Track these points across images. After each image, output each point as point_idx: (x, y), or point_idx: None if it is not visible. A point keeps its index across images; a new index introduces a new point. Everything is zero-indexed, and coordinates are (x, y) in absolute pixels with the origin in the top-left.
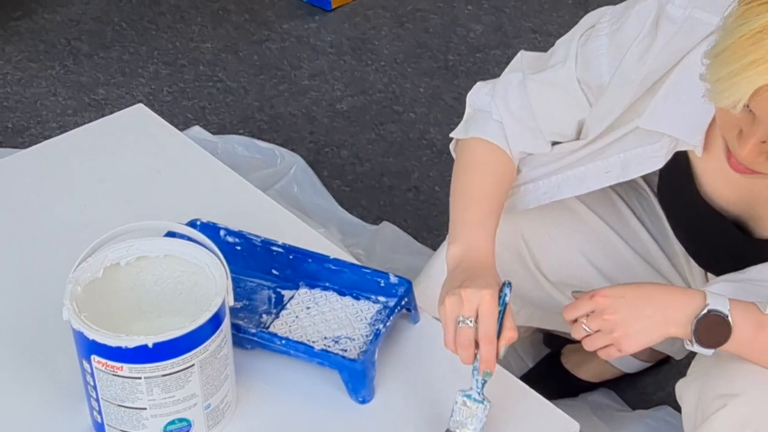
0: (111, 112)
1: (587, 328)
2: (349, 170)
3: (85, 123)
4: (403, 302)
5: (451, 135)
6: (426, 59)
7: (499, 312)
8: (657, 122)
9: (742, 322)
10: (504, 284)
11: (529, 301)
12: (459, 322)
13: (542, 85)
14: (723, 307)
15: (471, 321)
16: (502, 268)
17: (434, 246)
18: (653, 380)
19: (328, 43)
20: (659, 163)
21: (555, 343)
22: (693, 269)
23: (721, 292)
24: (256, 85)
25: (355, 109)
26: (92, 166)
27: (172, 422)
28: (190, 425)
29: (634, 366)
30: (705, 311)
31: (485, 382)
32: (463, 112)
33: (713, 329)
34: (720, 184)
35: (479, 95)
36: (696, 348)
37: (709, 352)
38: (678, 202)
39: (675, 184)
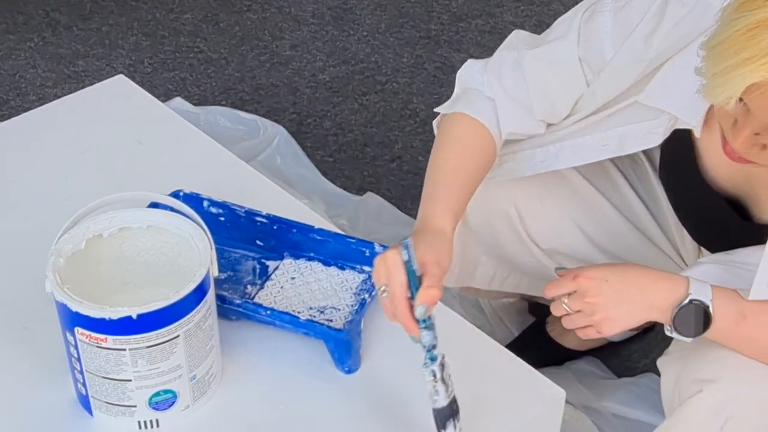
0: (91, 84)
1: (568, 308)
2: (332, 141)
3: (64, 95)
4: None
5: (436, 110)
6: (408, 29)
7: (408, 271)
8: (657, 99)
9: (724, 313)
10: (401, 242)
11: (518, 267)
12: (381, 292)
13: (539, 60)
14: (705, 297)
15: (384, 288)
16: (494, 235)
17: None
18: (638, 348)
19: (310, 13)
20: (657, 140)
21: (540, 311)
22: (685, 240)
23: (706, 276)
24: (237, 55)
25: (338, 80)
26: (73, 138)
27: (158, 394)
28: (175, 396)
29: (619, 334)
30: (687, 301)
31: (424, 346)
32: (445, 82)
33: (694, 319)
34: (720, 163)
35: (470, 73)
36: (675, 335)
37: (689, 340)
38: (678, 179)
39: (676, 160)
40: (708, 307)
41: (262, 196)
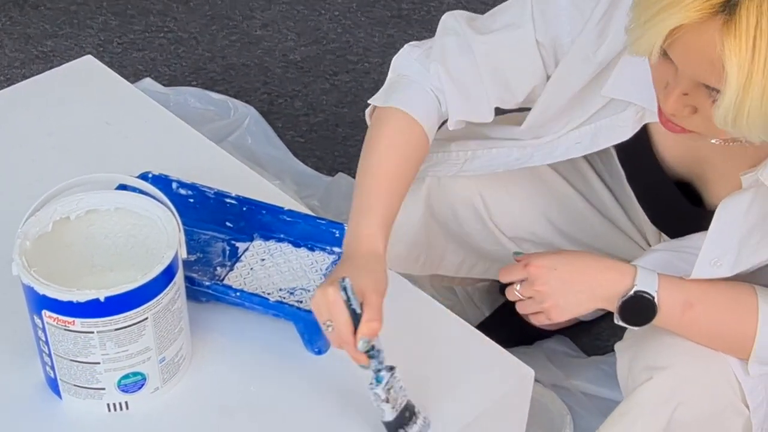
0: (59, 64)
1: (519, 294)
2: (303, 121)
3: (33, 76)
4: None
5: (369, 101)
6: (379, 8)
7: (348, 304)
8: (618, 90)
9: (670, 302)
10: (340, 281)
11: (486, 254)
12: (326, 326)
13: (493, 48)
14: (650, 287)
15: (329, 324)
16: (460, 223)
17: None
18: (608, 327)
19: None
20: (627, 133)
21: None
22: (649, 227)
23: (658, 263)
24: (207, 35)
25: (309, 59)
26: (41, 119)
27: (126, 376)
28: (144, 379)
29: (589, 313)
30: (632, 292)
31: (373, 372)
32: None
33: (638, 309)
34: (672, 146)
35: (408, 60)
36: (623, 324)
37: (636, 329)
38: (635, 163)
39: (633, 145)
40: (653, 297)
41: (232, 178)
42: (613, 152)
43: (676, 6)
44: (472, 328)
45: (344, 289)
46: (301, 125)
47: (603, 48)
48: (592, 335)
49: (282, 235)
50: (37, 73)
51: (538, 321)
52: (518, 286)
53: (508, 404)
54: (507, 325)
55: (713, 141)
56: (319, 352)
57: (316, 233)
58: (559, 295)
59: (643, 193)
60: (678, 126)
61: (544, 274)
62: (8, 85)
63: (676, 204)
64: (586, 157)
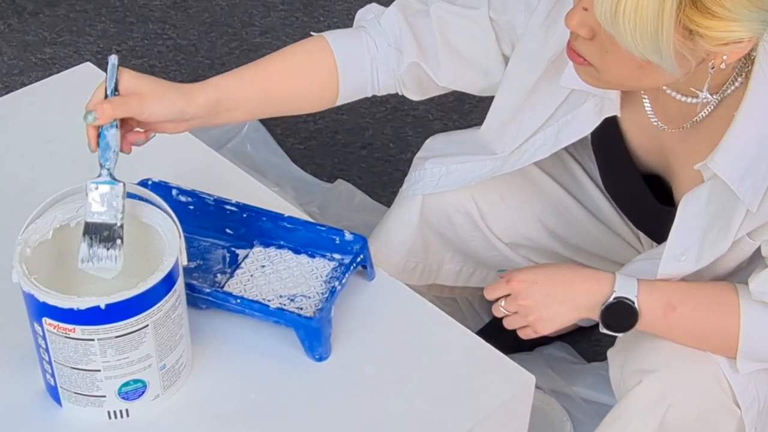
0: (58, 72)
1: (504, 310)
2: (302, 128)
3: (32, 83)
4: (358, 259)
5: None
6: None
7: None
8: (574, 80)
9: (651, 306)
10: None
11: (484, 262)
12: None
13: (449, 14)
14: (630, 293)
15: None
16: (456, 231)
17: (389, 203)
18: None
19: None
20: (589, 127)
21: None
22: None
23: (641, 273)
24: (206, 42)
25: None
26: (40, 127)
27: (127, 383)
28: (145, 386)
29: (588, 319)
30: (612, 299)
31: (100, 163)
32: None
33: (620, 315)
34: (640, 140)
35: (366, 12)
36: (607, 332)
37: (620, 335)
38: (609, 162)
39: (605, 144)
40: (633, 302)
41: (231, 184)
42: None
43: None
44: (473, 335)
45: (110, 63)
46: (300, 132)
47: (552, 43)
48: (592, 341)
49: (282, 242)
50: (36, 81)
51: (525, 335)
52: (503, 302)
53: (509, 410)
54: (507, 331)
55: (664, 127)
56: (320, 359)
57: (317, 240)
58: (542, 308)
59: (617, 192)
60: (579, 56)
61: (525, 288)
62: (7, 93)
63: (646, 202)
64: (579, 162)
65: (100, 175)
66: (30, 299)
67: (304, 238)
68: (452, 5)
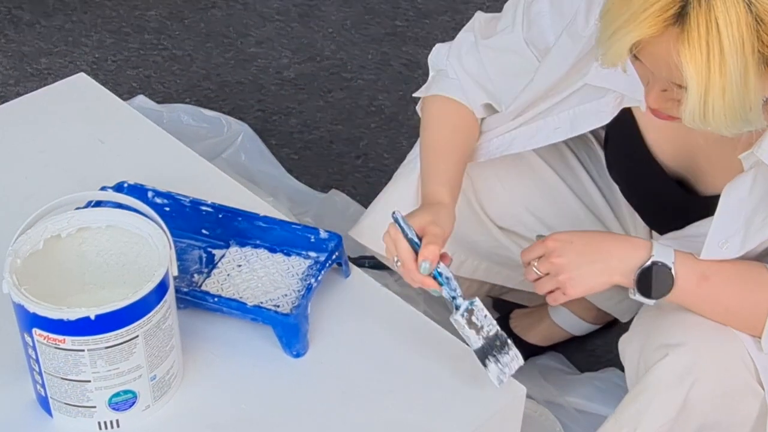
0: (54, 82)
1: (537, 271)
2: (297, 138)
3: (27, 93)
4: (333, 256)
5: (415, 94)
6: (374, 25)
7: (407, 238)
8: (603, 78)
9: (686, 274)
10: (392, 214)
11: (475, 247)
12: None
13: (494, 50)
14: (667, 258)
15: (396, 259)
16: None
17: None
18: (601, 342)
19: (275, 9)
20: (606, 118)
21: (504, 307)
22: (637, 224)
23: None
24: (202, 53)
25: (303, 76)
26: (34, 137)
27: (117, 394)
28: (135, 397)
29: (582, 329)
30: (649, 262)
31: (446, 298)
32: (411, 78)
33: (656, 280)
34: (662, 139)
35: (438, 56)
36: (638, 297)
37: (651, 302)
38: (623, 157)
39: (621, 139)
40: (670, 268)
41: (224, 194)
42: (600, 152)
43: (632, 23)
44: (465, 346)
45: (395, 220)
46: (295, 142)
47: (591, 23)
48: (586, 351)
49: (258, 241)
50: (32, 91)
51: (554, 300)
52: (536, 263)
53: (501, 422)
54: None
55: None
56: (298, 355)
57: (292, 238)
58: (573, 266)
59: (635, 189)
60: (665, 114)
61: (560, 246)
62: (2, 103)
63: (670, 197)
64: (577, 156)
65: (458, 308)
66: (20, 310)
67: (279, 237)
68: (494, 38)
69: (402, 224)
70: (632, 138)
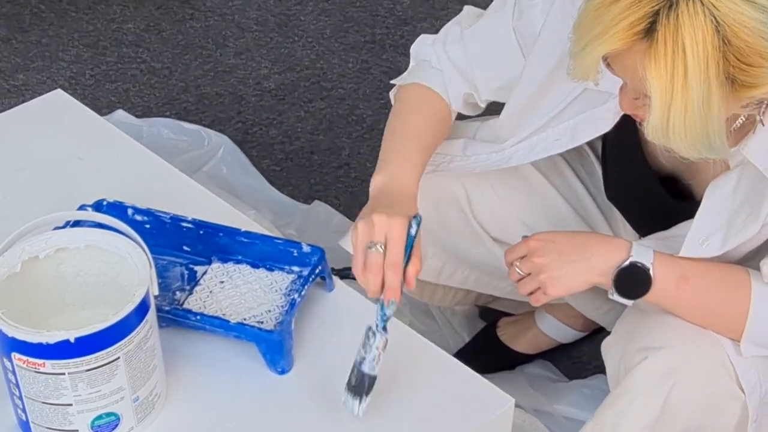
0: (32, 98)
1: (520, 271)
2: (278, 149)
3: (5, 110)
4: (317, 270)
5: (392, 81)
6: (353, 33)
7: (407, 242)
8: (607, 82)
9: (665, 274)
10: (414, 217)
11: (467, 258)
12: (369, 248)
13: (478, 36)
14: (646, 259)
15: (380, 246)
16: (442, 219)
17: None
18: (588, 349)
19: (254, 20)
20: (607, 126)
21: (490, 316)
22: (629, 234)
23: (648, 245)
24: (180, 65)
25: (283, 87)
26: (10, 155)
27: (100, 417)
28: (118, 419)
29: (569, 336)
30: (627, 263)
31: (387, 316)
32: (392, 87)
33: (633, 280)
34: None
35: (422, 46)
36: (617, 298)
37: (629, 302)
38: (620, 161)
39: (620, 143)
40: (648, 269)
41: (205, 209)
42: (594, 160)
43: (603, 36)
44: (451, 357)
45: (418, 224)
46: (276, 154)
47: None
48: (573, 359)
49: (240, 257)
50: (10, 108)
51: (536, 300)
52: (518, 263)
53: None
54: (488, 350)
55: None
56: (282, 372)
57: (274, 253)
58: (554, 266)
59: (628, 196)
60: (641, 115)
61: (542, 246)
62: None
63: (661, 203)
64: (570, 165)
65: (384, 330)
66: None
67: (261, 252)
68: (480, 22)
69: (415, 232)
70: (631, 142)
